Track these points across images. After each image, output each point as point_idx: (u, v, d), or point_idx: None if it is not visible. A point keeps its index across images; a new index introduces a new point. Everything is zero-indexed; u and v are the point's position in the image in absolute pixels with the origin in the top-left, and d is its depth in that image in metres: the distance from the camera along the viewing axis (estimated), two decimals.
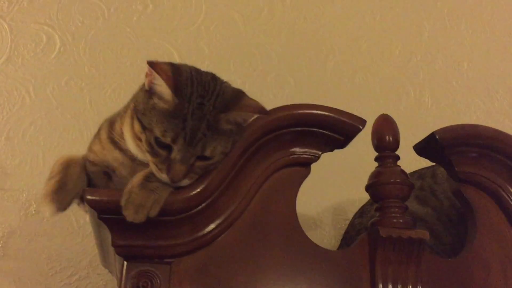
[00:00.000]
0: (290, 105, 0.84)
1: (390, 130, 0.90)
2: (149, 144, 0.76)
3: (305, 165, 0.85)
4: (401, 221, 0.84)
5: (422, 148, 0.91)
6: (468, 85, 1.67)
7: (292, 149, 0.84)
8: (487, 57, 1.71)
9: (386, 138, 0.89)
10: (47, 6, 1.47)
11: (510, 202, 0.90)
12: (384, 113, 0.92)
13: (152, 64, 0.77)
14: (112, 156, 0.83)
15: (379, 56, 1.64)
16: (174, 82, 0.76)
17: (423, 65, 1.66)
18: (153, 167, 0.77)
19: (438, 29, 1.70)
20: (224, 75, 1.51)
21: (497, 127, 1.61)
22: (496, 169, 0.90)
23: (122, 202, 0.74)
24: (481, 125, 0.90)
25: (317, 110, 0.84)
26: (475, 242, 0.89)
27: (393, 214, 0.85)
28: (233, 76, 1.53)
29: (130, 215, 0.73)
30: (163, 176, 0.76)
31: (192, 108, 0.76)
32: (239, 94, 0.82)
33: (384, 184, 0.86)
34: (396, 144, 0.90)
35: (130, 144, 0.81)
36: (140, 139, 0.78)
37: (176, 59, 1.50)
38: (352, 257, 0.83)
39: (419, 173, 1.13)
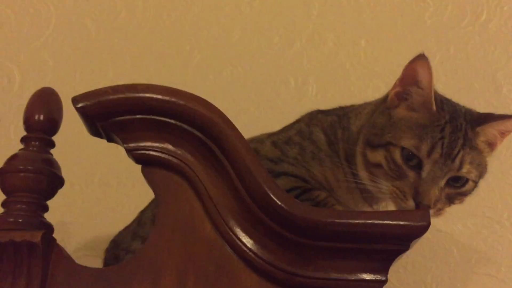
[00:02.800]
0: None
1: (43, 108, 0.69)
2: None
3: None
4: (20, 220, 0.63)
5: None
6: (366, 65, 1.39)
7: None
8: (394, 29, 1.42)
9: (35, 117, 0.69)
10: None
11: (200, 183, 0.65)
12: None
13: None
14: None
15: (254, 46, 1.41)
16: None
17: (309, 49, 1.41)
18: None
19: (330, 5, 1.45)
20: (68, 86, 1.39)
21: None
22: (179, 141, 0.66)
23: None
24: (142, 84, 0.66)
25: None
26: (148, 241, 0.65)
27: (15, 212, 0.64)
28: (78, 86, 1.38)
29: None
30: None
31: None
32: None
33: (12, 172, 0.65)
34: (49, 125, 0.69)
35: None
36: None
37: (16, 76, 1.38)
38: None
39: None
